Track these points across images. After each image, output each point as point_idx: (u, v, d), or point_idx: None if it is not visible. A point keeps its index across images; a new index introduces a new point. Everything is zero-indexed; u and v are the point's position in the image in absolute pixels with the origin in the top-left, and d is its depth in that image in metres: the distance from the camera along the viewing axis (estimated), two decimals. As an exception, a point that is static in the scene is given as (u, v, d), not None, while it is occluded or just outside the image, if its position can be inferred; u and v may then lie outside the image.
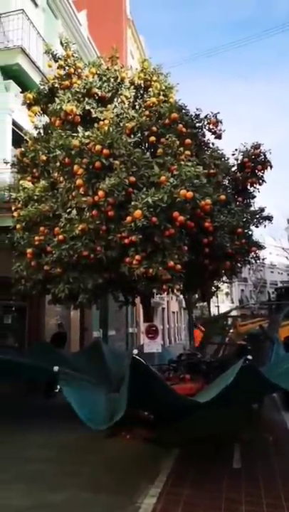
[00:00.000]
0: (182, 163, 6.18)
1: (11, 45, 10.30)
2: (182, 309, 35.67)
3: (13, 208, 7.48)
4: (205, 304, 27.80)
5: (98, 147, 6.16)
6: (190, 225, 6.30)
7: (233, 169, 8.38)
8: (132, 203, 5.90)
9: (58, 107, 7.11)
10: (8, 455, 5.71)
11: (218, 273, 8.21)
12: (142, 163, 6.30)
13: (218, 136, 8.27)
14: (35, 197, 7.18)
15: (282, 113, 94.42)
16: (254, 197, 8.63)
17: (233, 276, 10.06)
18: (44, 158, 7.51)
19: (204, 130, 8.25)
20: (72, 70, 7.76)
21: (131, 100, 8.01)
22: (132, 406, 4.61)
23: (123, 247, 6.08)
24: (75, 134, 6.65)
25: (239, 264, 8.29)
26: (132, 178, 6.10)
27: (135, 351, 4.07)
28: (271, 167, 8.23)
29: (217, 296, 29.67)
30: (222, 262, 7.54)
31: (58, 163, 7.00)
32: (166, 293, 6.98)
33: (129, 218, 5.84)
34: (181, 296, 26.46)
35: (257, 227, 8.58)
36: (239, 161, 8.35)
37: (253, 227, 8.27)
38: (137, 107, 7.85)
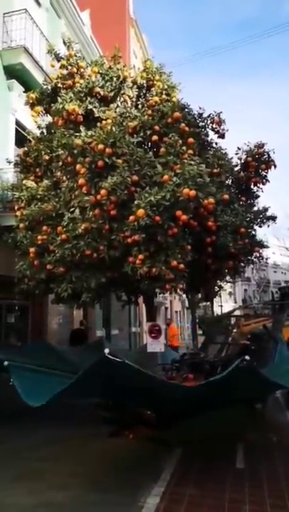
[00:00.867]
0: (185, 162, 6.16)
1: (14, 44, 10.31)
2: (185, 309, 35.62)
3: (16, 208, 7.49)
4: (208, 303, 27.78)
5: (101, 146, 6.16)
6: (193, 224, 6.28)
7: (237, 168, 8.34)
8: (135, 202, 5.88)
9: (61, 106, 7.11)
10: (9, 454, 5.73)
11: (221, 273, 8.18)
12: (145, 162, 6.29)
13: (222, 136, 8.24)
14: (38, 196, 7.19)
15: (286, 113, 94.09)
16: (258, 196, 8.60)
17: (236, 276, 10.05)
18: (47, 157, 7.53)
19: (207, 129, 8.22)
20: (74, 69, 7.76)
21: (133, 99, 8.01)
22: (116, 400, 4.80)
23: (126, 247, 6.07)
24: (78, 134, 6.65)
25: (242, 264, 8.26)
26: (135, 177, 6.08)
27: (107, 350, 4.21)
28: (275, 166, 8.19)
29: (220, 296, 29.57)
30: (225, 261, 7.51)
31: (60, 163, 7.00)
32: (169, 292, 6.96)
33: (132, 217, 5.82)
34: (184, 296, 26.45)
35: (260, 227, 8.54)
36: (242, 161, 8.32)
37: (256, 227, 8.25)
38: (140, 106, 7.84)
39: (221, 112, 8.03)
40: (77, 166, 6.41)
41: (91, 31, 16.52)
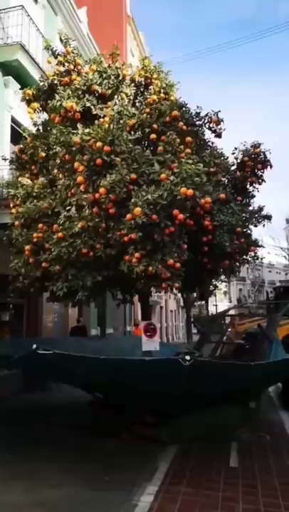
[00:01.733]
0: (183, 160, 6.16)
1: (10, 41, 10.24)
2: (180, 308, 35.71)
3: (11, 205, 7.44)
4: (203, 302, 27.89)
5: (99, 144, 6.13)
6: (189, 223, 6.28)
7: (233, 168, 8.35)
8: (132, 201, 5.87)
9: (58, 103, 7.07)
10: (5, 452, 5.70)
11: (216, 272, 8.20)
12: (143, 160, 6.26)
13: (219, 135, 8.22)
14: (34, 194, 7.13)
15: (284, 113, 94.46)
16: (253, 196, 8.62)
17: (232, 276, 10.07)
18: (43, 154, 7.48)
19: (204, 128, 8.21)
20: (71, 66, 7.72)
21: (131, 98, 7.96)
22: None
23: (122, 245, 6.05)
24: (75, 131, 6.62)
25: (238, 263, 8.28)
26: (133, 175, 6.07)
27: (34, 346, 4.51)
28: (271, 166, 8.21)
29: (215, 295, 29.73)
30: (221, 261, 7.52)
31: (57, 160, 6.96)
32: (164, 291, 6.96)
33: (128, 216, 5.80)
34: (179, 295, 26.52)
35: (256, 226, 8.57)
36: (239, 160, 8.33)
37: (252, 227, 8.27)
38: (138, 104, 7.81)
39: (218, 112, 8.02)
40: (76, 164, 6.38)
41: (88, 28, 16.45)
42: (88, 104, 7.21)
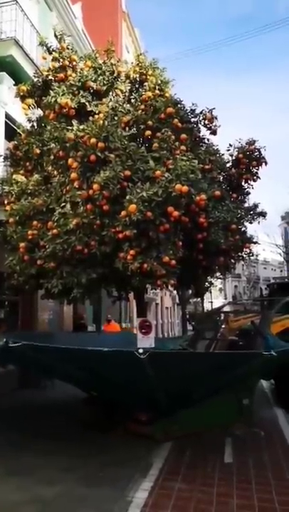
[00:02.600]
0: (178, 157, 6.15)
1: (4, 36, 10.14)
2: (176, 305, 35.77)
3: (5, 202, 7.40)
4: (198, 299, 27.94)
5: (93, 140, 6.10)
6: (184, 220, 6.28)
7: (228, 165, 8.36)
8: (127, 197, 5.86)
9: (53, 99, 7.03)
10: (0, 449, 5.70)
11: (211, 269, 8.22)
12: (138, 157, 6.25)
13: (214, 132, 8.23)
14: (29, 191, 7.10)
15: (280, 109, 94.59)
16: (248, 193, 8.64)
17: (227, 272, 10.10)
18: (38, 151, 7.43)
19: (200, 125, 8.21)
20: (66, 62, 7.67)
21: (126, 94, 7.94)
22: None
23: (117, 242, 6.04)
24: (70, 127, 6.58)
25: (233, 260, 8.31)
26: (127, 172, 6.05)
27: (4, 339, 4.82)
28: (266, 164, 8.22)
29: (210, 292, 29.78)
30: (216, 257, 7.54)
31: (52, 157, 6.93)
32: (160, 288, 6.97)
33: (123, 213, 5.80)
34: (175, 292, 26.56)
35: (251, 223, 8.61)
36: (234, 157, 8.33)
37: (247, 224, 8.30)
38: (133, 100, 7.78)
39: (213, 109, 8.03)
40: (69, 160, 6.35)
41: (83, 24, 16.34)
42: (83, 100, 7.18)
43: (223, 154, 8.27)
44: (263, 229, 38.73)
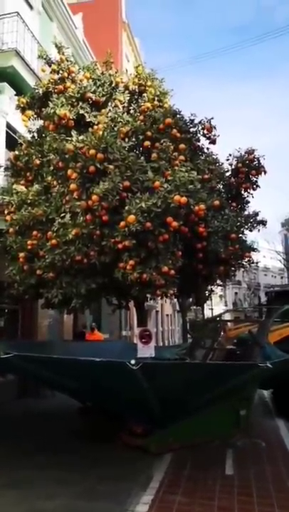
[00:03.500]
0: (176, 168, 6.18)
1: (5, 47, 10.26)
2: (176, 312, 35.66)
3: (5, 212, 7.43)
4: (199, 307, 27.86)
5: (92, 151, 6.14)
6: (184, 230, 6.30)
7: (227, 174, 8.39)
8: (126, 208, 5.88)
9: (52, 111, 7.09)
10: (-1, 461, 5.66)
11: (212, 278, 8.21)
12: (136, 167, 6.29)
13: (213, 142, 8.27)
14: (29, 201, 7.13)
15: (281, 116, 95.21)
16: (248, 202, 8.66)
17: (227, 280, 10.08)
18: (38, 162, 7.48)
19: (198, 135, 8.25)
20: (66, 74, 7.74)
21: (125, 105, 8.00)
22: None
23: (117, 252, 6.05)
24: (69, 138, 6.63)
25: (233, 268, 8.31)
26: (126, 183, 6.08)
27: None
28: (265, 172, 8.26)
29: (211, 299, 29.72)
30: (216, 266, 7.54)
31: (51, 168, 6.97)
32: (160, 297, 6.97)
33: (122, 223, 5.82)
34: (175, 299, 26.49)
35: (251, 231, 8.62)
36: (233, 166, 8.37)
37: (246, 231, 8.31)
38: (132, 111, 7.84)
39: (212, 118, 8.07)
40: (69, 171, 6.39)
41: (83, 35, 16.51)
42: (82, 111, 7.24)
43: (222, 163, 8.31)
44: (263, 235, 38.66)
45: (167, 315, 34.34)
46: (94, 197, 5.92)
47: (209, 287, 9.91)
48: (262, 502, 4.38)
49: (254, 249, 8.47)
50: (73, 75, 7.76)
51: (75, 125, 7.15)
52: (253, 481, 4.95)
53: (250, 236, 9.02)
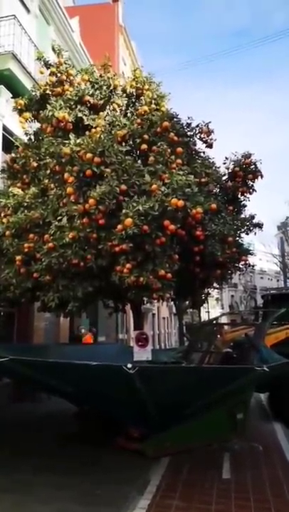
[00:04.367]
0: (174, 171, 6.18)
1: (2, 50, 10.25)
2: (173, 315, 35.65)
3: (2, 215, 7.40)
4: (195, 310, 27.87)
5: (89, 155, 6.14)
6: (181, 233, 6.30)
7: (224, 178, 8.42)
8: (123, 211, 5.87)
9: (50, 113, 7.08)
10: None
11: (208, 281, 8.22)
12: (133, 171, 6.29)
13: (210, 146, 8.30)
14: (25, 204, 7.10)
15: (279, 120, 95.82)
16: (245, 206, 8.69)
17: (223, 283, 10.10)
18: (35, 164, 7.46)
19: (195, 139, 8.28)
20: (64, 77, 7.75)
21: (123, 108, 8.02)
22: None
23: (113, 256, 6.04)
24: (66, 142, 6.62)
25: (230, 271, 8.32)
26: (123, 187, 6.08)
27: None
28: (262, 177, 8.29)
29: (207, 302, 29.72)
30: (213, 270, 7.55)
31: (48, 171, 6.96)
32: (156, 301, 6.96)
33: (119, 226, 5.81)
34: (172, 302, 26.48)
35: (247, 234, 8.64)
36: (230, 170, 8.40)
37: (243, 235, 8.33)
38: (129, 114, 7.86)
39: (209, 122, 8.11)
40: (65, 175, 6.38)
41: (80, 38, 16.55)
42: (80, 114, 7.24)
43: (219, 167, 8.34)
44: (260, 239, 38.68)
45: (164, 318, 34.32)
46: (91, 200, 5.91)
47: (206, 290, 9.91)
48: (259, 506, 4.38)
49: (251, 253, 8.50)
50: (71, 77, 7.76)
51: (73, 128, 7.15)
52: (250, 485, 4.95)
53: (246, 239, 9.03)
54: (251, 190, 8.40)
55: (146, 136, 6.99)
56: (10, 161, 8.03)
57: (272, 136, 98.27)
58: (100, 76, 7.92)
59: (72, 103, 7.34)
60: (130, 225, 5.69)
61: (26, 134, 8.49)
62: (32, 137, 8.39)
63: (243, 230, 8.26)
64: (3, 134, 10.32)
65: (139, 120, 7.24)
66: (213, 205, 7.00)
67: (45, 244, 6.40)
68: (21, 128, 8.39)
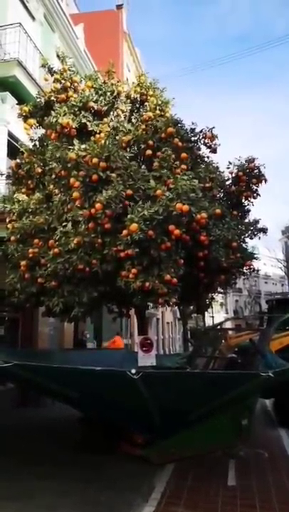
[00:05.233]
0: (178, 176, 6.20)
1: (7, 57, 10.39)
2: (177, 320, 35.56)
3: (7, 220, 7.44)
4: (200, 315, 27.79)
5: (95, 160, 6.18)
6: (186, 238, 6.30)
7: (228, 183, 8.42)
8: (128, 216, 5.89)
9: (54, 120, 7.14)
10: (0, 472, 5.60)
11: (213, 286, 8.20)
12: (138, 176, 6.32)
13: (214, 151, 8.32)
14: (30, 209, 7.15)
15: (281, 125, 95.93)
16: (249, 210, 8.68)
17: (228, 288, 10.06)
18: (39, 170, 7.51)
19: (200, 144, 8.30)
20: (68, 83, 7.81)
21: (127, 114, 8.07)
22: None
23: (119, 261, 6.05)
24: (71, 147, 6.67)
25: (234, 276, 8.30)
26: (129, 191, 6.10)
27: None
28: (266, 181, 8.28)
29: (212, 307, 29.64)
30: (217, 275, 7.53)
31: (53, 176, 7.00)
32: (161, 306, 6.95)
33: (125, 232, 5.82)
34: (176, 307, 26.44)
35: (251, 238, 8.63)
36: (234, 175, 8.40)
37: (247, 239, 8.32)
38: (134, 120, 7.90)
39: (213, 128, 8.13)
40: (71, 180, 6.41)
41: (85, 45, 16.70)
42: (84, 120, 7.29)
43: (223, 172, 8.34)
44: (264, 243, 38.60)
45: (168, 323, 34.23)
46: (97, 205, 5.94)
47: (210, 295, 9.89)
48: (265, 513, 4.33)
49: (255, 258, 8.47)
50: (76, 84, 7.83)
51: (77, 134, 7.19)
52: (256, 492, 4.89)
53: (250, 243, 9.01)
54: (255, 195, 8.39)
55: (150, 142, 7.02)
56: (15, 166, 8.10)
57: (275, 141, 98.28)
58: (104, 82, 7.98)
59: (76, 109, 7.40)
60: (136, 230, 5.71)
61: (31, 140, 8.56)
62: (37, 143, 8.46)
63: (247, 234, 8.25)
64: (8, 140, 10.42)
65: (143, 126, 7.29)
66: (218, 210, 7.00)
67: (50, 250, 6.43)
68: (26, 134, 8.47)
